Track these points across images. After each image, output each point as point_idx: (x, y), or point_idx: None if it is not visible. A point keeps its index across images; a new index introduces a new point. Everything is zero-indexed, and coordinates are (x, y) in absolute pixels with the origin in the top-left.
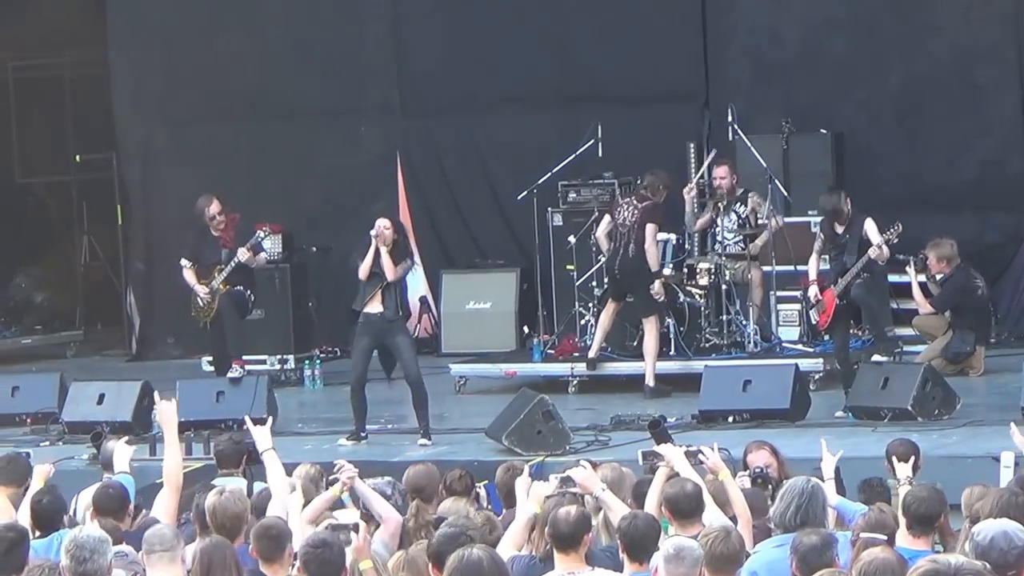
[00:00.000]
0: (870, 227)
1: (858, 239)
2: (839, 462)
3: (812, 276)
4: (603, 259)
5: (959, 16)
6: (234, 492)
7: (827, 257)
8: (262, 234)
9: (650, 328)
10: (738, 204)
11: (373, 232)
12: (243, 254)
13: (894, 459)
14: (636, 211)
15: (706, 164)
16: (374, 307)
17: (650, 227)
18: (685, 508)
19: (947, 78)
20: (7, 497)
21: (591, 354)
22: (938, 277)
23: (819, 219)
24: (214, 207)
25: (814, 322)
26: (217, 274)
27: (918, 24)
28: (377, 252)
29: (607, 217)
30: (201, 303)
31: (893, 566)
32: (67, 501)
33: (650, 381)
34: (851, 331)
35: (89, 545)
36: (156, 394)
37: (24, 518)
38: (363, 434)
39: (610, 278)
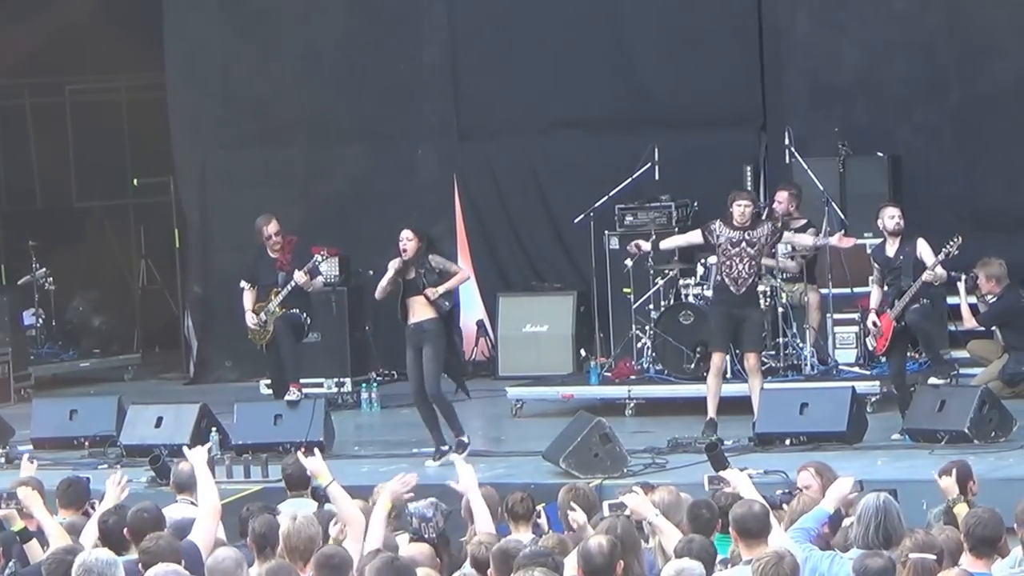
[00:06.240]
0: (923, 248)
1: (912, 260)
2: (897, 483)
3: (873, 304)
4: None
5: (1018, 37)
6: (307, 517)
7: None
8: (319, 258)
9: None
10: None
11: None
12: (300, 277)
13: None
14: None
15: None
16: (409, 318)
17: None
18: (752, 528)
19: (1006, 100)
20: (69, 519)
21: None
22: (988, 298)
23: (877, 241)
24: (272, 227)
25: (871, 348)
26: (274, 296)
27: (976, 46)
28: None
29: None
30: (255, 327)
31: None
32: None
33: None
34: (907, 354)
35: (97, 569)
36: (186, 450)
37: (89, 540)
38: (444, 447)
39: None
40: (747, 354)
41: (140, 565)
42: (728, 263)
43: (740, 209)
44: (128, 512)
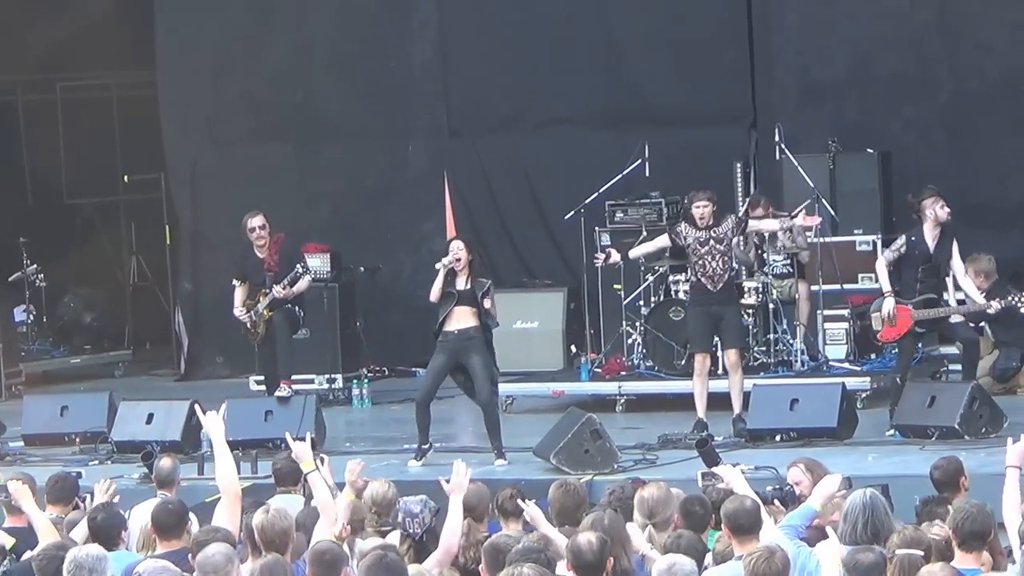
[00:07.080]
0: (956, 256)
1: (947, 260)
2: (888, 479)
3: (886, 288)
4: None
5: (1008, 34)
6: (279, 510)
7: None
8: (300, 269)
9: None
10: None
11: (445, 261)
12: (279, 291)
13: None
14: None
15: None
16: (450, 325)
17: None
18: (744, 524)
19: (996, 96)
20: (56, 515)
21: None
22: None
23: (867, 237)
24: (257, 220)
25: (875, 330)
26: (262, 298)
27: (967, 42)
28: (453, 274)
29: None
30: (248, 327)
31: None
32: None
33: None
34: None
35: (88, 564)
36: (198, 408)
37: (79, 536)
38: (425, 446)
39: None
40: (728, 351)
41: (191, 556)
42: (701, 262)
43: (699, 211)
44: (115, 510)
